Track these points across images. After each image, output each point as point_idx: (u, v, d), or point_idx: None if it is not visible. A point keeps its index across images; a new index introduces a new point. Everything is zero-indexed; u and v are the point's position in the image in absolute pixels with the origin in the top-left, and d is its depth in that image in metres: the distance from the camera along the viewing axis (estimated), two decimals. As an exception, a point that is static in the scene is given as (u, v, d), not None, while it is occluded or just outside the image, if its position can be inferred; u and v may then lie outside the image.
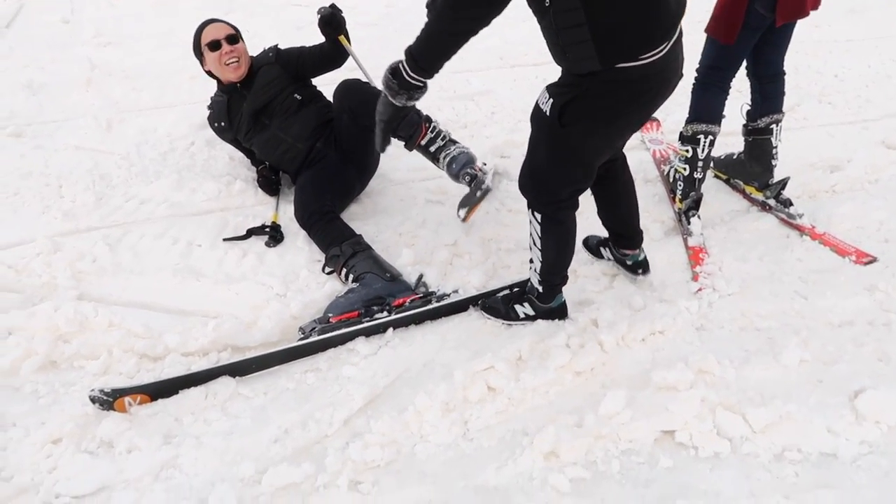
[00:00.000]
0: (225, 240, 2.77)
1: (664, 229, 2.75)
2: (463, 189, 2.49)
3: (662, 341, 2.07)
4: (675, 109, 3.17)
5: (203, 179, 3.19)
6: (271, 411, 1.99)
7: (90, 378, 2.11)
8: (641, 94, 1.72)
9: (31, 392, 2.09)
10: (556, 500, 1.66)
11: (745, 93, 2.79)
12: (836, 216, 2.67)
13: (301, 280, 2.56)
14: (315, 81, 3.12)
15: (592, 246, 2.55)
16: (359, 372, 2.11)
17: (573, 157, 1.83)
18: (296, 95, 2.93)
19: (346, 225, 2.67)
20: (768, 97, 2.70)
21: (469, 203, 2.35)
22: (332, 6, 2.88)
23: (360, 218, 2.92)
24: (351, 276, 2.48)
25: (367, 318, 2.29)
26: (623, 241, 2.35)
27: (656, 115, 2.96)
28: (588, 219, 2.41)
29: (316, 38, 3.01)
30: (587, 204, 2.32)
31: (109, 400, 1.95)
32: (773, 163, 2.78)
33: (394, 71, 1.77)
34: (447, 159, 2.57)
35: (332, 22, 2.83)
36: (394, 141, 2.24)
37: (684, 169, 2.71)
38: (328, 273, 2.58)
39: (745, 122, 2.79)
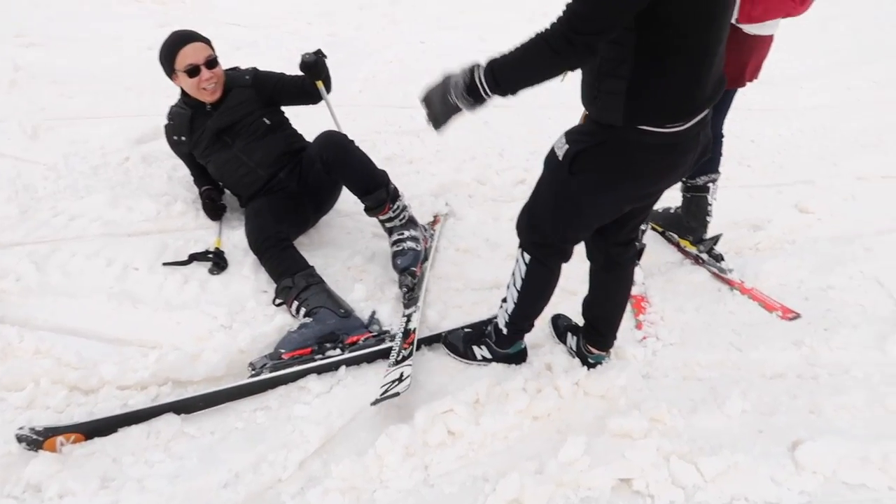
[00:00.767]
0: (165, 264, 2.62)
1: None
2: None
3: (616, 389, 2.13)
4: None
5: (139, 198, 3.01)
6: (220, 452, 1.88)
7: (12, 412, 1.93)
8: (656, 162, 1.69)
9: (-59, 426, 1.87)
10: (520, 549, 1.66)
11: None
12: (762, 273, 2.85)
13: (248, 311, 2.47)
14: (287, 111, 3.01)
15: (561, 327, 2.41)
16: (312, 411, 2.04)
17: (573, 207, 1.81)
18: (264, 119, 2.83)
19: (300, 255, 2.60)
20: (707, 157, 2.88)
21: (384, 398, 2.06)
22: (318, 52, 2.85)
23: (308, 249, 2.84)
24: (303, 310, 2.40)
25: (320, 356, 2.23)
26: (595, 338, 2.23)
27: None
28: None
29: (255, 59, 2.93)
30: (576, 283, 2.37)
31: (39, 440, 1.77)
32: (708, 219, 2.96)
33: (468, 82, 1.60)
34: (395, 249, 2.68)
35: (312, 68, 2.80)
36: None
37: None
38: (278, 305, 2.50)
39: (683, 178, 2.97)
